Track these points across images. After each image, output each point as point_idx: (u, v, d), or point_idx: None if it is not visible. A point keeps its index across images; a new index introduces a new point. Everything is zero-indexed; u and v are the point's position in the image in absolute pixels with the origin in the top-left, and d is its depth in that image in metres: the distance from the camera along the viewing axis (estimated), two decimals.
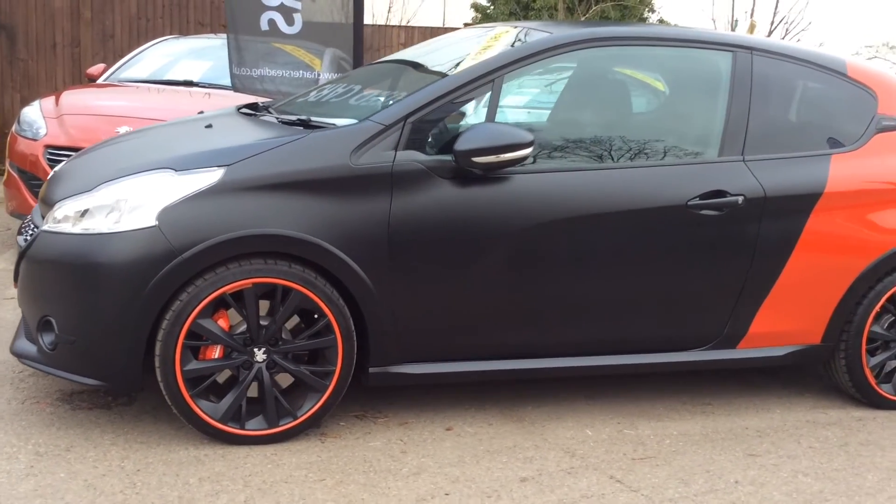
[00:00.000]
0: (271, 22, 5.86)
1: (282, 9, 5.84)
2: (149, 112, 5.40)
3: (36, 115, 5.58)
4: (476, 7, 17.91)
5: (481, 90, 3.31)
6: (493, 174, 3.24)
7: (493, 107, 3.32)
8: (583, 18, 13.40)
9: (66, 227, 3.08)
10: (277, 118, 3.58)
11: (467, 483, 3.00)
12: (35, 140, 5.41)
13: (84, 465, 2.92)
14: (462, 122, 3.35)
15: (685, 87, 3.84)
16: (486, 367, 3.41)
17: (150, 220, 2.96)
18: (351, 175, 3.10)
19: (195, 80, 6.43)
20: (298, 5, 5.84)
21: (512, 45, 3.48)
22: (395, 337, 3.23)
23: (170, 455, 3.04)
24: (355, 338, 3.19)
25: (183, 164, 3.07)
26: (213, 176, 3.02)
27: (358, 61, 5.52)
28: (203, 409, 3.07)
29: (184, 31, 9.93)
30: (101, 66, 7.11)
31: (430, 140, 3.24)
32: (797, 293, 3.62)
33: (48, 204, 3.27)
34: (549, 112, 3.91)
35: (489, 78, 3.31)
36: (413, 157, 3.18)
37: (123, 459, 2.98)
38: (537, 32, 3.55)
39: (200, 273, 2.98)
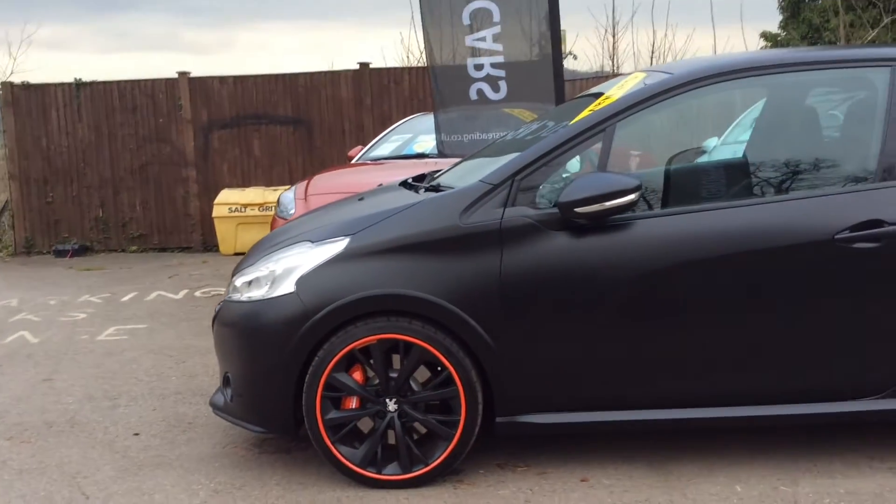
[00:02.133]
0: (479, 91, 6.27)
1: (488, 78, 6.23)
2: (373, 187, 6.01)
3: (289, 198, 6.48)
4: (766, 36, 17.02)
5: (591, 141, 3.34)
6: (605, 222, 3.23)
7: (604, 155, 3.32)
8: (871, 35, 12.14)
9: (237, 296, 3.63)
10: (424, 186, 3.87)
11: None
12: (286, 219, 6.27)
13: (245, 503, 3.37)
14: (569, 174, 3.39)
15: (828, 110, 3.49)
16: (619, 417, 3.35)
17: (290, 287, 3.39)
18: (460, 234, 3.29)
19: (426, 152, 7.01)
20: (503, 73, 6.19)
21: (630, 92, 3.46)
22: (519, 387, 3.32)
23: (317, 496, 3.39)
24: (479, 388, 3.33)
25: (318, 236, 3.49)
26: (339, 245, 3.39)
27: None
28: (343, 455, 3.39)
29: None
30: (358, 147, 8.02)
31: (539, 195, 3.33)
32: None
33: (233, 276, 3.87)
34: (667, 150, 3.77)
35: (600, 128, 3.33)
36: (522, 213, 3.29)
37: (279, 498, 3.39)
38: (658, 75, 3.49)
39: (332, 332, 3.34)
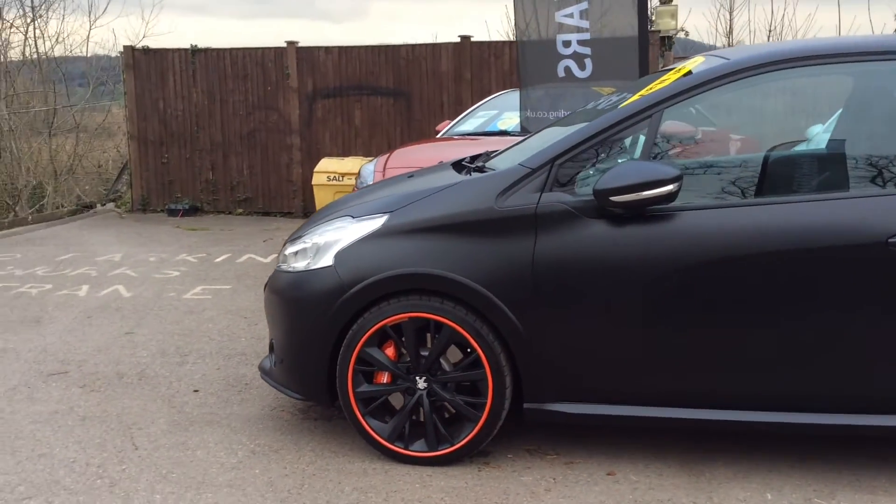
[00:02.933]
0: (567, 69, 6.19)
1: (575, 56, 6.13)
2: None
3: (369, 171, 6.58)
4: None
5: (636, 128, 3.24)
6: (644, 212, 3.14)
7: (649, 143, 3.21)
8: None
9: (285, 266, 3.74)
10: (471, 167, 3.86)
11: None
12: None
13: (278, 465, 3.50)
14: (615, 161, 3.30)
15: (880, 105, 3.25)
16: (649, 413, 3.26)
17: (329, 261, 3.47)
18: (495, 217, 3.27)
19: (509, 129, 6.96)
20: (588, 50, 6.07)
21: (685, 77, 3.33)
22: (547, 374, 3.28)
23: (346, 465, 3.48)
24: (507, 373, 3.32)
25: (359, 212, 3.54)
26: (378, 222, 3.44)
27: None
28: (372, 427, 3.46)
29: None
30: (446, 121, 8.03)
31: (579, 181, 3.26)
32: None
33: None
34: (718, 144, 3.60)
35: (645, 114, 3.22)
36: (558, 199, 3.23)
37: (309, 464, 3.50)
38: (715, 60, 3.34)
39: (366, 307, 3.39)
